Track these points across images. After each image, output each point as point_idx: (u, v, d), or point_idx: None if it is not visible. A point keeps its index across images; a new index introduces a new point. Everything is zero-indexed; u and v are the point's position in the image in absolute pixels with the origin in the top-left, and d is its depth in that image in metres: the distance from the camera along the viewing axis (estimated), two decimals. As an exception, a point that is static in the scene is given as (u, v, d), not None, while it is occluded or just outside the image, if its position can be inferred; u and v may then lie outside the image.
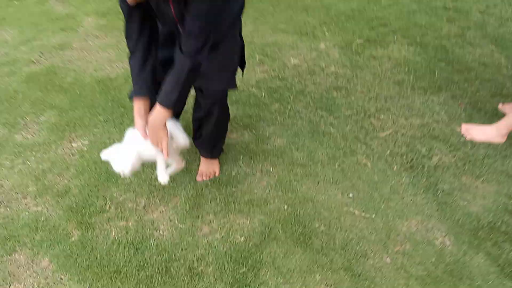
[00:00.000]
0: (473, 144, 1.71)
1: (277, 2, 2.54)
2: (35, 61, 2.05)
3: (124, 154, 1.17)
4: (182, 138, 1.28)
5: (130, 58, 1.17)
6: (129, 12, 1.09)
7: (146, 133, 1.17)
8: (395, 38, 2.29)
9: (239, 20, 1.29)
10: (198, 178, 1.53)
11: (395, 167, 1.61)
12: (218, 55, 1.21)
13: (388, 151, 1.66)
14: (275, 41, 2.24)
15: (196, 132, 1.48)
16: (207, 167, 1.54)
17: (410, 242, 1.36)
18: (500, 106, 1.87)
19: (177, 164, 1.35)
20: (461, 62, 2.14)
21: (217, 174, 1.55)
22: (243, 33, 1.35)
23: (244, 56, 1.37)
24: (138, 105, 1.17)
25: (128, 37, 1.15)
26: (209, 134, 1.46)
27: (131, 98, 1.18)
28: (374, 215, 1.43)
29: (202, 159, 1.55)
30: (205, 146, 1.51)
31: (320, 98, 1.90)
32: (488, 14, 2.52)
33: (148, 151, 1.20)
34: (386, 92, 1.95)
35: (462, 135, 1.75)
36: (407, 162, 1.62)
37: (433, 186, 1.54)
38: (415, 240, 1.37)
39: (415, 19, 2.46)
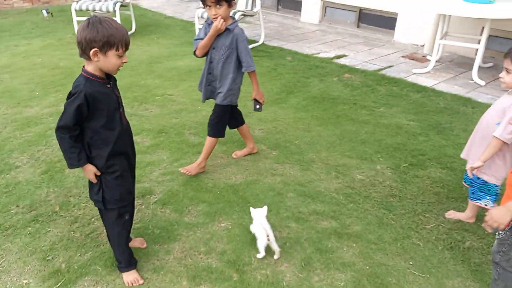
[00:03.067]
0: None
1: (342, 137, 3.58)
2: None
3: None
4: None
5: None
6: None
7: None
8: (431, 164, 3.19)
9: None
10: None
11: (440, 247, 2.34)
12: None
13: (434, 237, 2.42)
14: (344, 163, 3.20)
15: None
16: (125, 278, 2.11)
17: (455, 293, 2.04)
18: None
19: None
20: (482, 181, 2.97)
21: (138, 283, 2.07)
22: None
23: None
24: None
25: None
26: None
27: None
28: (428, 275, 2.14)
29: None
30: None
31: (381, 201, 2.74)
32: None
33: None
34: (428, 200, 2.77)
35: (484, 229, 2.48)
36: (448, 244, 2.36)
37: (467, 260, 2.25)
38: (458, 293, 2.04)
39: (445, 151, 3.38)
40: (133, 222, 2.41)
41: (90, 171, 1.87)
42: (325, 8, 7.47)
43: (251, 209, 2.37)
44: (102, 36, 1.69)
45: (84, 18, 2.50)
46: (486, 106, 4.24)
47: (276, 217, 2.58)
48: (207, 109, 4.12)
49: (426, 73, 5.03)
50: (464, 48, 5.32)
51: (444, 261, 2.25)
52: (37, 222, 2.55)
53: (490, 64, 5.26)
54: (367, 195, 2.81)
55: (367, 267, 2.20)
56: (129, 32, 6.79)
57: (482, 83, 4.68)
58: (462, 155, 2.49)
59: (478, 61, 4.75)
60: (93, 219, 2.56)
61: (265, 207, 2.35)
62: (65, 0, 8.97)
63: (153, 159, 3.25)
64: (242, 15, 5.78)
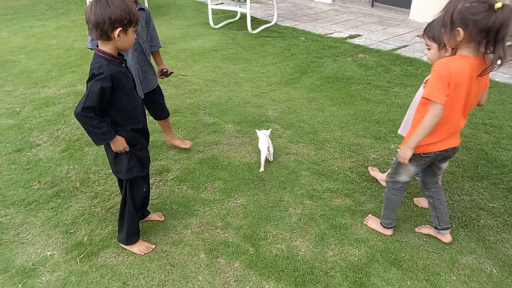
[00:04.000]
0: (510, 213, 2.44)
1: (355, 117, 3.58)
2: (201, 151, 3.13)
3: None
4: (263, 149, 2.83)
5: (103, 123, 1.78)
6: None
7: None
8: (446, 143, 3.17)
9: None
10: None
11: (454, 225, 2.36)
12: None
13: (448, 215, 2.43)
14: (357, 142, 3.21)
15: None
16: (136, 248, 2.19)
17: (468, 269, 2.07)
18: (528, 190, 2.63)
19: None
20: (497, 161, 2.95)
21: (151, 248, 2.19)
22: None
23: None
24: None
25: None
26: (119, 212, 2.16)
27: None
28: (442, 252, 2.17)
29: None
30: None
31: (395, 180, 2.76)
32: (517, 128, 3.38)
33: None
34: (443, 179, 2.78)
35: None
36: (462, 222, 2.38)
37: (482, 238, 2.27)
38: (472, 269, 2.07)
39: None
40: (151, 198, 2.49)
41: (122, 141, 1.87)
42: (339, -13, 7.33)
43: (257, 130, 3.02)
44: (126, 15, 1.69)
45: None
46: (503, 85, 4.19)
47: (291, 194, 2.62)
48: (221, 89, 4.15)
49: (442, 53, 4.93)
50: (482, 27, 5.19)
51: (459, 238, 2.27)
52: (58, 197, 2.64)
53: (510, 43, 5.13)
54: (381, 174, 2.82)
55: (381, 243, 2.23)
56: (142, 13, 6.79)
57: (499, 62, 4.58)
58: (399, 131, 2.52)
59: (496, 41, 4.63)
60: (113, 195, 2.64)
61: (269, 130, 2.99)
62: (77, -19, 8.94)
63: (169, 138, 3.30)
64: (255, -6, 5.72)
